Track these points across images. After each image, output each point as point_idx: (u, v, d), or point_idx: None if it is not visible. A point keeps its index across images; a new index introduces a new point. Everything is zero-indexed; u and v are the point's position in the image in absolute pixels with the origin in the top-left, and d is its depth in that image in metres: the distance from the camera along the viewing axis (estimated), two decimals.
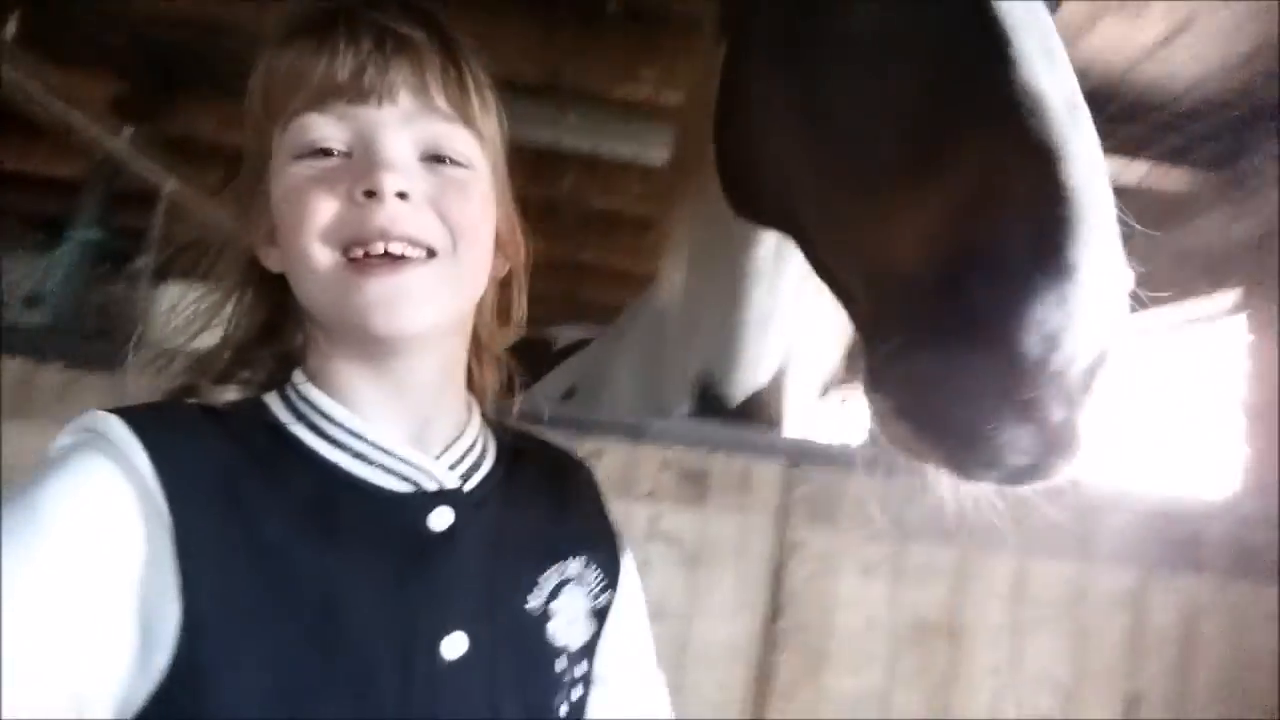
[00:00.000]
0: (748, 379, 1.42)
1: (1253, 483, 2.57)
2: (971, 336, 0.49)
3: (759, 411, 1.45)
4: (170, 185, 4.86)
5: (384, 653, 0.57)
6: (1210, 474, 2.81)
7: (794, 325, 1.38)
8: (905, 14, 0.57)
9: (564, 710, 0.66)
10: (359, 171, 0.59)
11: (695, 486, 1.34)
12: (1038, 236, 0.47)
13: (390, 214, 0.58)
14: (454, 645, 0.60)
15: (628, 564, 0.78)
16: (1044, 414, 0.50)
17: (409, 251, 0.59)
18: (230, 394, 0.67)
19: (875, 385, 0.58)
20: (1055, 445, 0.51)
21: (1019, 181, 0.48)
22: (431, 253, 0.61)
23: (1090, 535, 1.55)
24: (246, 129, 0.66)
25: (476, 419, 0.72)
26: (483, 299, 0.73)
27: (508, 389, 0.81)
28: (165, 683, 0.50)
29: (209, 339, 0.67)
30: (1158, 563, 1.58)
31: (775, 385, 1.48)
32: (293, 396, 0.64)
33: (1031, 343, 0.47)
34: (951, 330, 0.49)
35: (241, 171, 0.67)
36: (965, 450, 0.53)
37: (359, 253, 0.59)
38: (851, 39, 0.60)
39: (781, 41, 0.75)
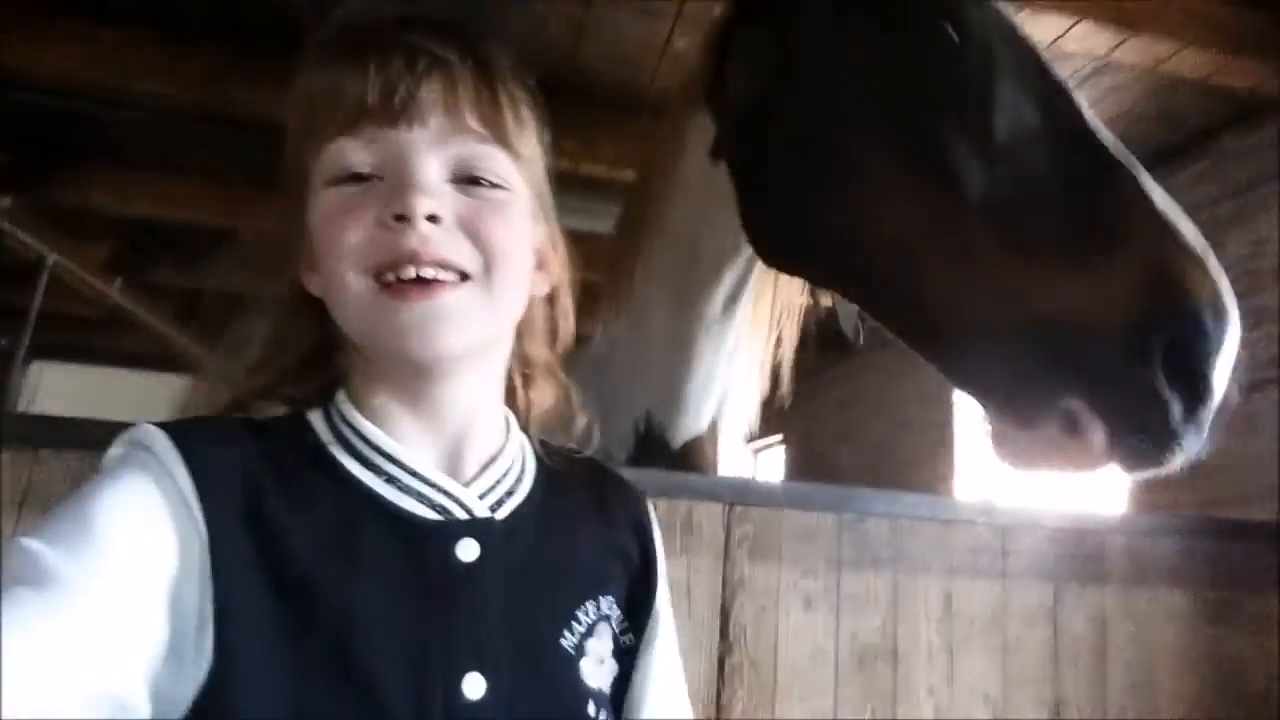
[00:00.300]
0: (690, 425, 1.50)
1: (1142, 499, 2.78)
2: (1159, 371, 0.71)
3: (698, 456, 1.53)
4: (52, 258, 4.63)
5: (401, 687, 0.55)
6: (1104, 492, 3.03)
7: (730, 374, 1.47)
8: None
9: None
10: (389, 195, 0.59)
11: None
12: (1215, 308, 0.70)
13: (421, 237, 0.58)
14: (474, 686, 0.57)
15: (664, 605, 0.74)
16: (1204, 423, 0.72)
17: (441, 275, 0.59)
18: (278, 410, 0.66)
19: (1033, 419, 0.77)
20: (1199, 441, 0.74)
21: (1192, 270, 0.71)
22: (465, 275, 0.60)
23: (1008, 555, 1.66)
24: (287, 153, 0.66)
25: (515, 441, 0.70)
26: (530, 317, 0.72)
27: (565, 405, 0.79)
28: (197, 699, 0.50)
29: (259, 361, 0.67)
30: (1068, 576, 1.70)
31: (712, 431, 1.55)
32: (334, 416, 0.63)
33: (1213, 375, 0.70)
34: (1142, 366, 0.71)
35: (284, 196, 0.67)
36: (1156, 453, 0.73)
37: (391, 277, 0.58)
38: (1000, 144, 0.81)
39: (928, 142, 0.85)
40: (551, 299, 0.75)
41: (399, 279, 0.58)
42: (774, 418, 1.30)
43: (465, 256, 0.60)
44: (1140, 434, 0.72)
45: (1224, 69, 2.41)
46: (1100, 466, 0.76)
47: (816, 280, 1.13)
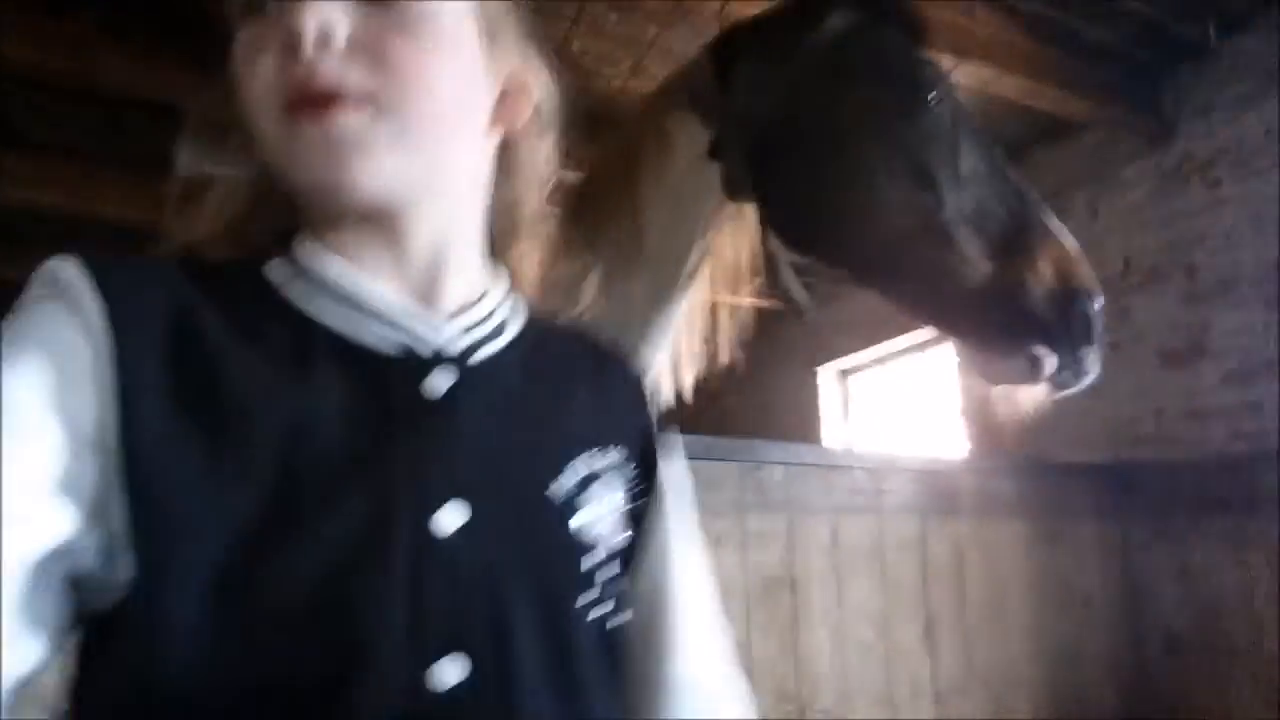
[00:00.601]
0: None
1: (985, 443, 3.12)
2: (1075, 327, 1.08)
3: None
4: None
5: (359, 523, 0.49)
6: (951, 438, 3.39)
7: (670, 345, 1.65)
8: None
9: (593, 614, 0.56)
10: (285, 19, 0.52)
11: None
12: (1093, 289, 1.09)
13: (308, 62, 0.52)
14: (451, 517, 0.52)
15: (672, 473, 0.67)
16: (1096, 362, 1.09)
17: (337, 100, 0.53)
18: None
19: (1007, 350, 1.10)
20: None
21: (1079, 264, 1.11)
22: (375, 104, 0.54)
23: (882, 494, 1.92)
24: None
25: (499, 291, 0.64)
26: (506, 157, 0.66)
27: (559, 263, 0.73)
28: (111, 546, 0.46)
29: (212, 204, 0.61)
30: (931, 511, 1.98)
31: None
32: (294, 257, 0.57)
33: (1099, 330, 1.08)
34: (1068, 323, 1.08)
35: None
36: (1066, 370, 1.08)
37: (289, 110, 0.53)
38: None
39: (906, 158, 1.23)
40: (526, 136, 0.67)
41: (296, 111, 0.52)
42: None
43: (361, 79, 0.53)
44: (1069, 367, 1.09)
45: (1034, 93, 2.84)
46: (1041, 385, 1.13)
47: (831, 262, 1.35)
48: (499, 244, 0.67)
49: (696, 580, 0.65)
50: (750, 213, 1.32)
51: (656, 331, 1.43)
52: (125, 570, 0.45)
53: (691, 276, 1.40)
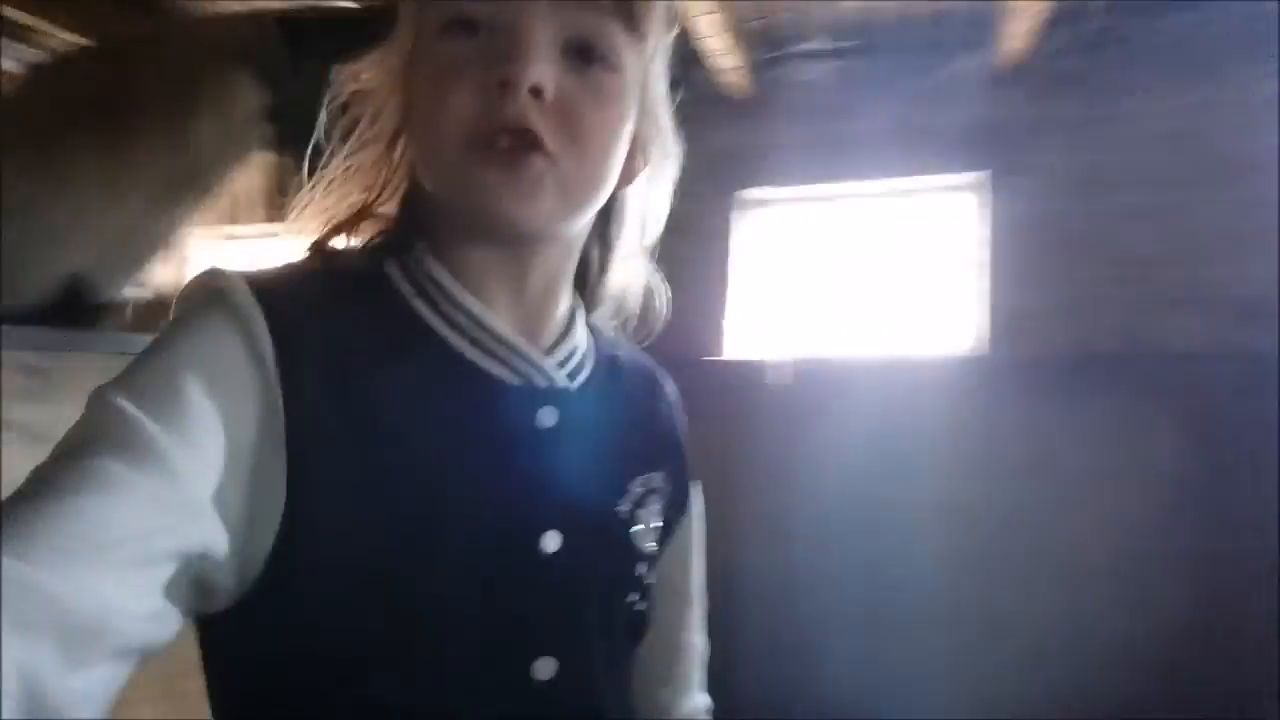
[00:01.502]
0: (116, 289, 1.69)
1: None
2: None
3: (113, 316, 1.70)
4: None
5: (483, 543, 0.57)
6: None
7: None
8: None
9: (635, 607, 0.68)
10: (497, 57, 0.56)
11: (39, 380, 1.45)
12: None
13: (520, 109, 0.56)
14: (552, 540, 0.60)
15: (696, 491, 0.79)
16: None
17: (529, 148, 0.57)
18: (351, 255, 0.66)
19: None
20: None
21: None
22: (550, 152, 0.57)
23: None
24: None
25: (581, 321, 0.70)
26: (618, 203, 0.71)
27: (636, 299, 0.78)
28: (269, 555, 0.51)
29: (344, 195, 0.66)
30: None
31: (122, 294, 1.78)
32: (414, 269, 0.62)
33: None
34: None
35: (385, 41, 0.64)
36: None
37: (481, 142, 0.57)
38: None
39: None
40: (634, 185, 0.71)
41: (489, 145, 0.57)
42: None
43: (557, 139, 0.57)
44: None
45: None
46: None
47: None
48: (584, 275, 0.73)
49: (698, 582, 0.81)
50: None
51: (164, 247, 1.64)
52: (235, 581, 0.50)
53: (208, 204, 1.59)
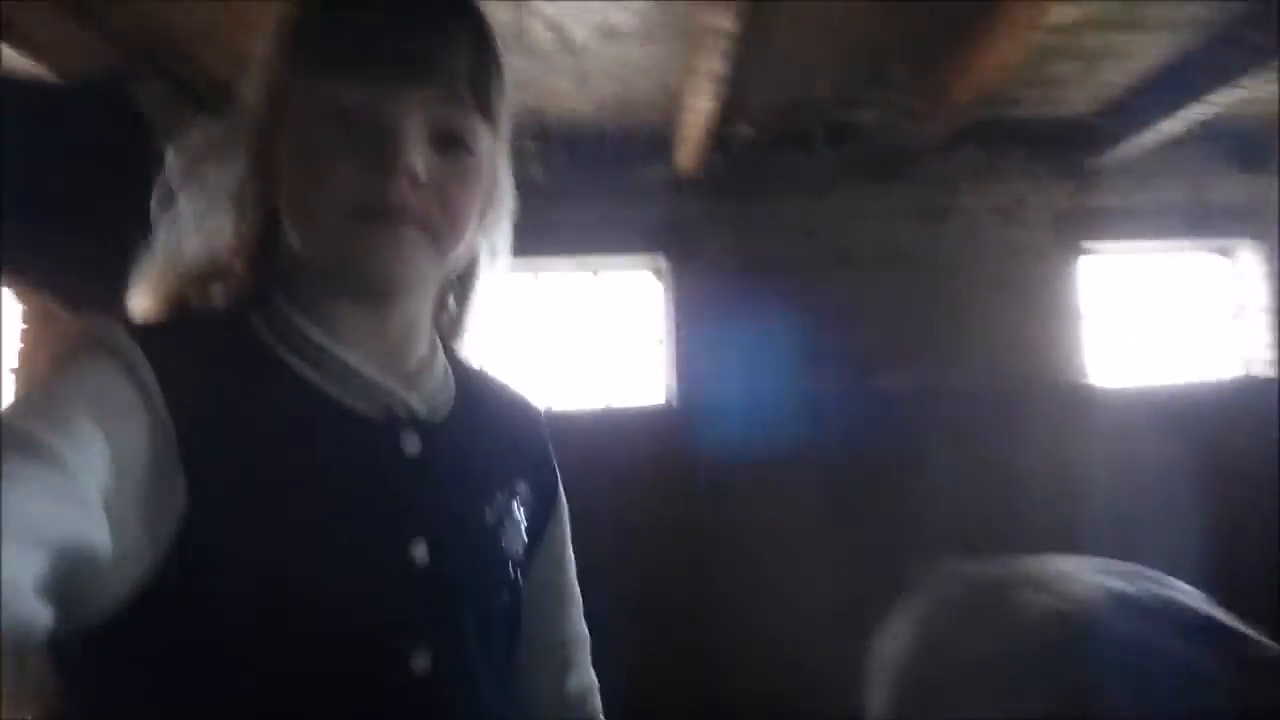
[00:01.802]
0: None
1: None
2: None
3: None
4: None
5: (358, 554, 0.62)
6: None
7: None
8: None
9: (508, 607, 0.74)
10: (378, 147, 0.62)
11: None
12: None
13: (401, 193, 0.62)
14: (421, 551, 0.65)
15: (561, 500, 0.85)
16: None
17: (408, 223, 0.64)
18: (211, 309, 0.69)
19: None
20: None
21: None
22: (429, 225, 0.65)
23: None
24: (257, 68, 0.67)
25: (440, 356, 0.75)
26: (471, 248, 0.76)
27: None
28: (163, 578, 0.54)
29: (200, 253, 0.69)
30: None
31: None
32: (275, 319, 0.66)
33: None
34: None
35: (245, 102, 0.68)
36: None
37: (367, 217, 0.63)
38: None
39: None
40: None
41: (373, 219, 0.63)
42: None
43: (433, 216, 0.65)
44: None
45: None
46: None
47: None
48: (445, 317, 0.81)
49: (572, 577, 0.86)
50: None
51: None
52: (108, 595, 0.53)
53: None
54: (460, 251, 0.71)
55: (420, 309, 0.72)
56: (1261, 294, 3.99)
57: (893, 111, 3.27)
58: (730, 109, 3.02)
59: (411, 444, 0.67)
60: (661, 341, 3.78)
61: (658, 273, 3.83)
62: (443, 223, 0.66)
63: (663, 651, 3.35)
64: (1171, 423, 3.67)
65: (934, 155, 3.70)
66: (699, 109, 2.83)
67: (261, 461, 0.60)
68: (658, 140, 3.48)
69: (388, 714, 0.62)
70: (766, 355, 3.68)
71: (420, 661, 0.63)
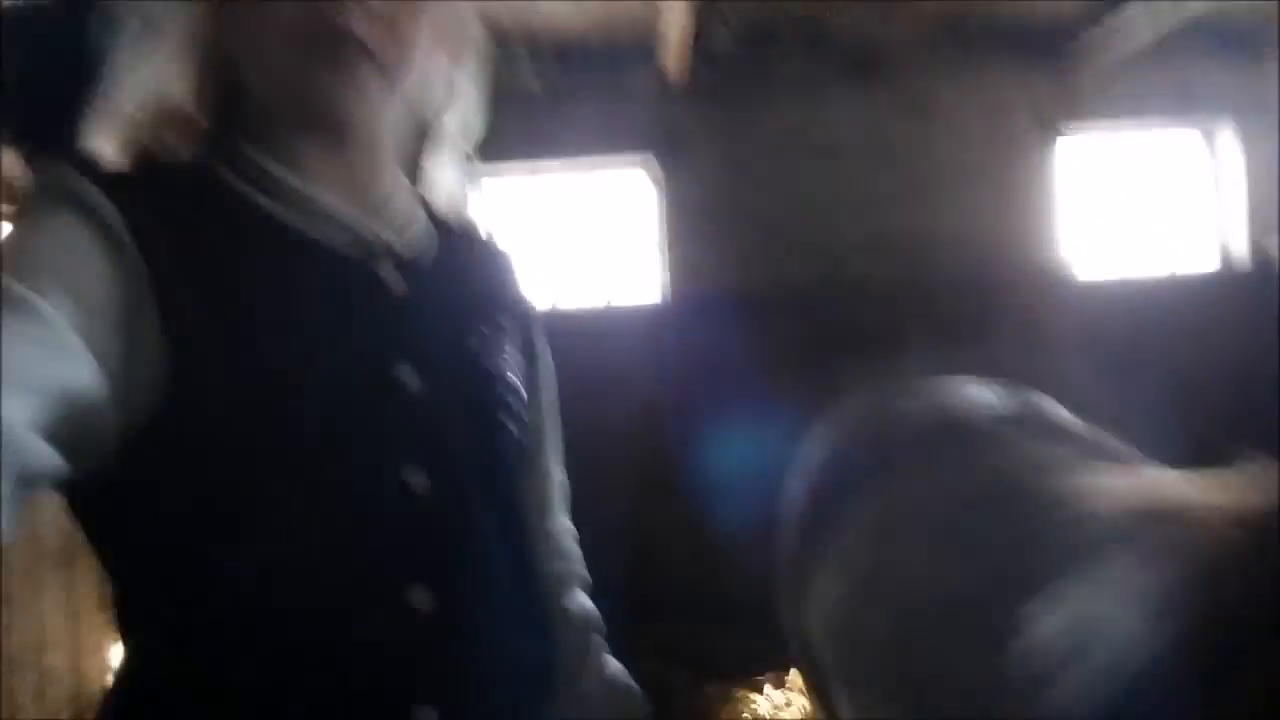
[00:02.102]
0: None
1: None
2: None
3: None
4: None
5: (343, 380, 0.62)
6: None
7: None
8: None
9: (512, 432, 0.73)
10: None
11: None
12: None
13: (359, 20, 0.62)
14: (407, 375, 0.65)
15: (542, 341, 0.85)
16: None
17: (365, 52, 0.63)
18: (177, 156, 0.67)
19: None
20: None
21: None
22: (382, 59, 0.65)
23: None
24: None
25: (410, 194, 0.76)
26: (429, 82, 0.75)
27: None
28: (148, 416, 0.54)
29: (151, 95, 0.67)
30: None
31: None
32: (239, 162, 0.65)
33: None
34: None
35: None
36: None
37: (319, 47, 0.62)
38: None
39: None
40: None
41: (324, 50, 0.62)
42: None
43: (379, 38, 0.64)
44: None
45: None
46: None
47: None
48: (408, 151, 0.78)
49: (556, 421, 0.87)
50: None
51: None
52: (112, 432, 0.53)
53: None
54: (417, 85, 0.71)
55: (382, 144, 0.71)
56: (1240, 176, 4.09)
57: (864, 12, 3.37)
58: (707, 16, 3.17)
59: (391, 276, 0.68)
60: (655, 241, 4.01)
61: (650, 175, 4.03)
62: (392, 51, 0.65)
63: (657, 525, 3.72)
64: (1147, 315, 3.85)
65: (914, 53, 3.81)
66: (676, 16, 2.98)
67: (242, 301, 0.59)
68: (644, 48, 3.62)
69: (384, 525, 0.62)
70: (755, 250, 3.91)
71: (418, 481, 0.63)
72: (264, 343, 0.60)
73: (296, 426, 0.60)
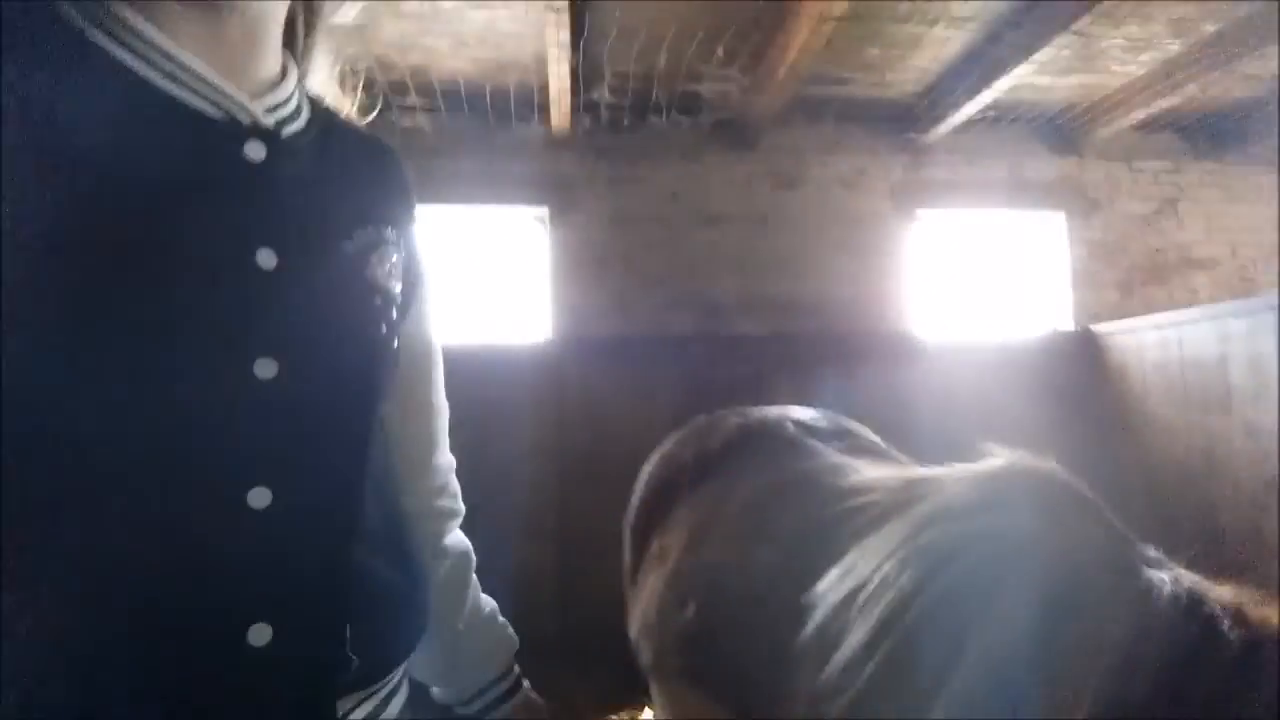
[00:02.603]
0: None
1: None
2: None
3: None
4: None
5: (192, 258, 0.57)
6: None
7: None
8: None
9: (381, 337, 0.70)
10: None
11: None
12: None
13: None
14: (266, 259, 0.60)
15: (427, 262, 0.82)
16: None
17: None
18: None
19: None
20: None
21: None
22: None
23: None
24: None
25: (293, 80, 0.70)
26: None
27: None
28: None
29: None
30: None
31: None
32: (90, 4, 0.57)
33: None
34: None
35: None
36: None
37: None
38: None
39: None
40: None
41: None
42: None
43: None
44: None
45: None
46: None
47: None
48: (296, 36, 0.74)
49: (439, 347, 0.86)
50: None
51: None
52: None
53: None
54: None
55: (263, 22, 0.65)
56: (1066, 254, 4.63)
57: (729, 85, 3.76)
58: (589, 75, 3.48)
59: (254, 150, 0.62)
60: (543, 284, 4.24)
61: (540, 222, 4.28)
62: None
63: (537, 555, 3.83)
64: (987, 370, 4.26)
65: (783, 128, 4.23)
66: (559, 73, 3.27)
67: (80, 154, 0.53)
68: (533, 101, 3.90)
69: (232, 413, 0.58)
70: (638, 300, 4.18)
71: (265, 369, 0.59)
72: (109, 204, 0.54)
73: (142, 293, 0.55)
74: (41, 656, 0.51)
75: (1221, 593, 0.73)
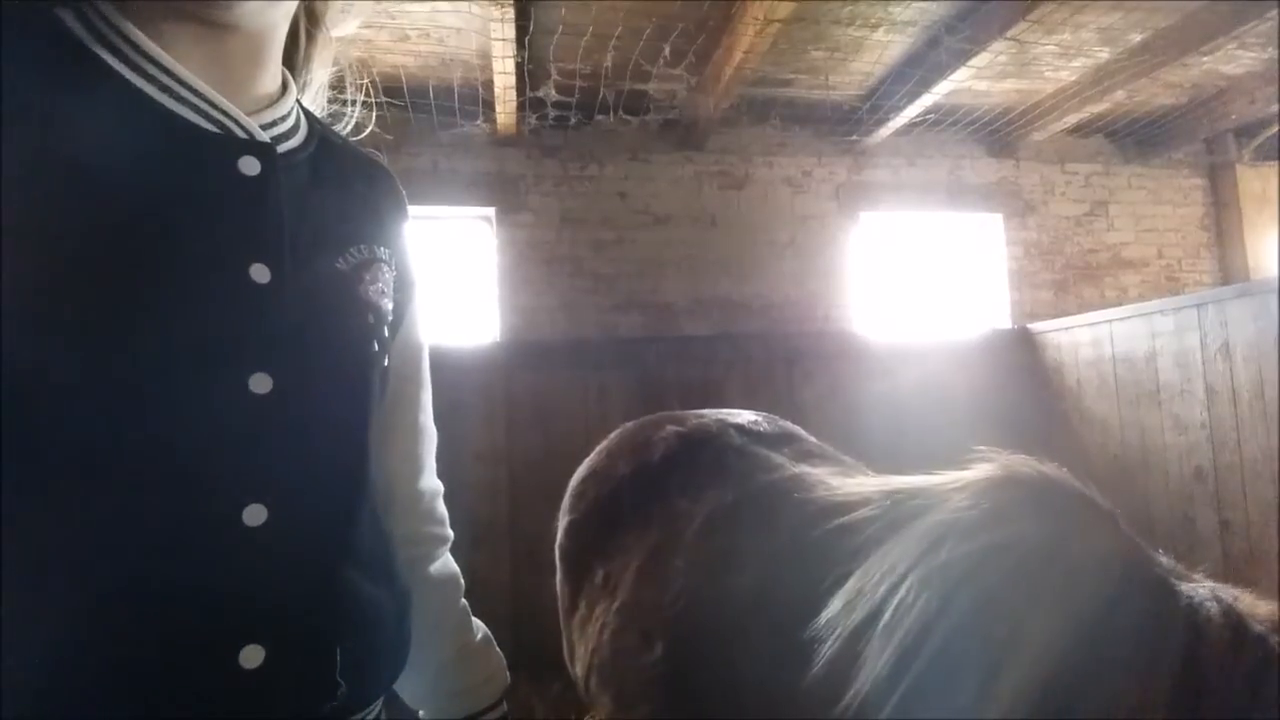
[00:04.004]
0: None
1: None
2: None
3: None
4: None
5: (187, 271, 0.57)
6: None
7: None
8: None
9: (372, 357, 0.69)
10: None
11: None
12: None
13: None
14: (259, 273, 0.60)
15: (419, 282, 0.81)
16: None
17: None
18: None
19: None
20: None
21: None
22: None
23: None
24: None
25: (291, 98, 0.70)
26: None
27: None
28: None
29: None
30: None
31: None
32: (92, 17, 0.58)
33: None
34: None
35: None
36: None
37: None
38: None
39: None
40: None
41: None
42: None
43: None
44: None
45: None
46: None
47: None
48: (295, 54, 0.75)
49: (427, 366, 0.85)
50: None
51: None
52: None
53: None
54: None
55: (265, 40, 0.66)
56: (1003, 255, 4.76)
57: (676, 85, 3.77)
58: (535, 73, 3.45)
59: (249, 165, 0.62)
60: (490, 285, 4.19)
61: (486, 221, 4.24)
62: None
63: (486, 560, 3.78)
64: (929, 367, 4.35)
65: (730, 129, 4.26)
66: (504, 69, 3.24)
67: (75, 166, 0.54)
68: (478, 99, 3.86)
69: (227, 428, 0.57)
70: (586, 301, 4.16)
71: (259, 384, 0.59)
72: (106, 218, 0.55)
73: (140, 308, 0.55)
74: (32, 674, 0.51)
75: (1254, 605, 0.72)
